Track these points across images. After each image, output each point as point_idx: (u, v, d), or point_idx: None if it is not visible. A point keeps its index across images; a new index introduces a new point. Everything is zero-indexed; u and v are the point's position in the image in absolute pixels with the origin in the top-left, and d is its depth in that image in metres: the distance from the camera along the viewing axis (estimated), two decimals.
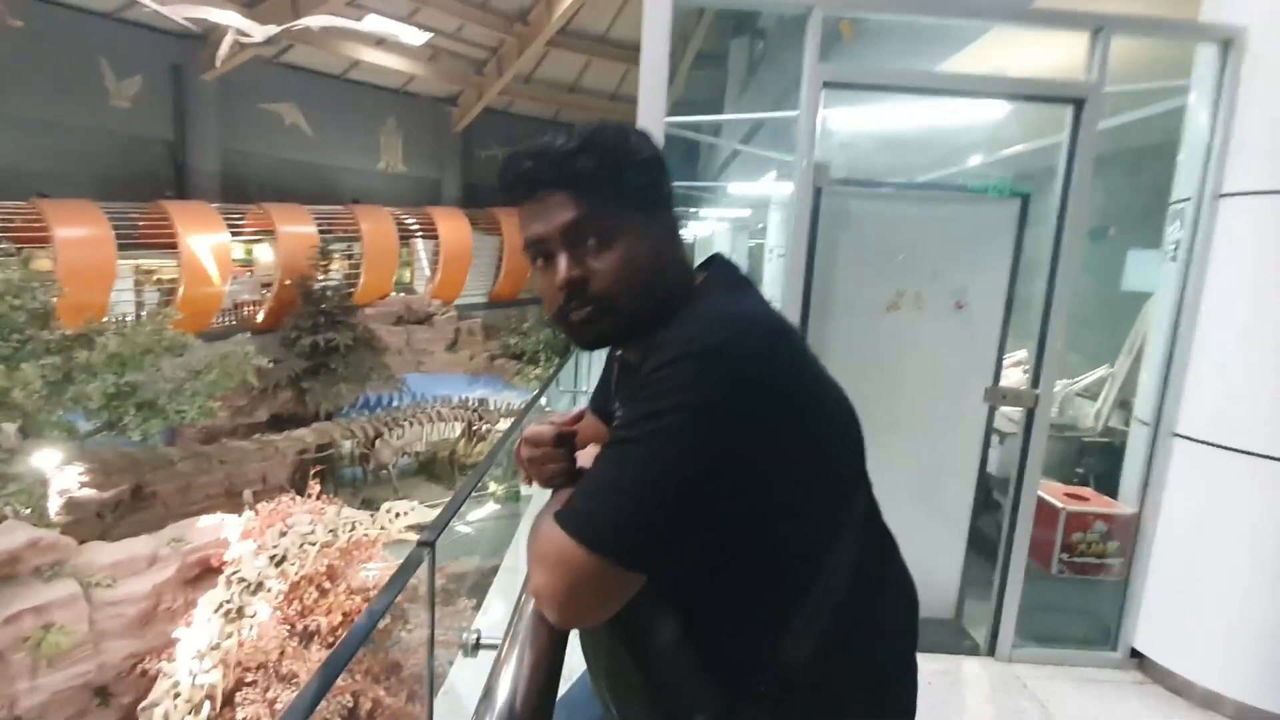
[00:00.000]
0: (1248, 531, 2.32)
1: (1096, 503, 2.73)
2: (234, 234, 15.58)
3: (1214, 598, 2.42)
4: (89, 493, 9.61)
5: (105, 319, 11.06)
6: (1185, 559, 2.51)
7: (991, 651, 2.65)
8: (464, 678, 2.27)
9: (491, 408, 14.98)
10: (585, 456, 0.93)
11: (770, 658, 0.79)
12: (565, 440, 0.93)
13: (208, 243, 14.76)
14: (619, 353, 1.01)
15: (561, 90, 22.17)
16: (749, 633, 0.80)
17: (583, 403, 1.23)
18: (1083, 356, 3.81)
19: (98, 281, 12.96)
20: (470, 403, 15.18)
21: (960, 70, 3.18)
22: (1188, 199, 2.52)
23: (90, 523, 9.76)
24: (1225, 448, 2.36)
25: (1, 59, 12.71)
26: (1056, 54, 2.56)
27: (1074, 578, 2.68)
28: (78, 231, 12.96)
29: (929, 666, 2.57)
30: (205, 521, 8.88)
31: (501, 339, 19.96)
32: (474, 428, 14.59)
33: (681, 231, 0.88)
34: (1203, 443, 2.43)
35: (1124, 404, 3.34)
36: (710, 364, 0.69)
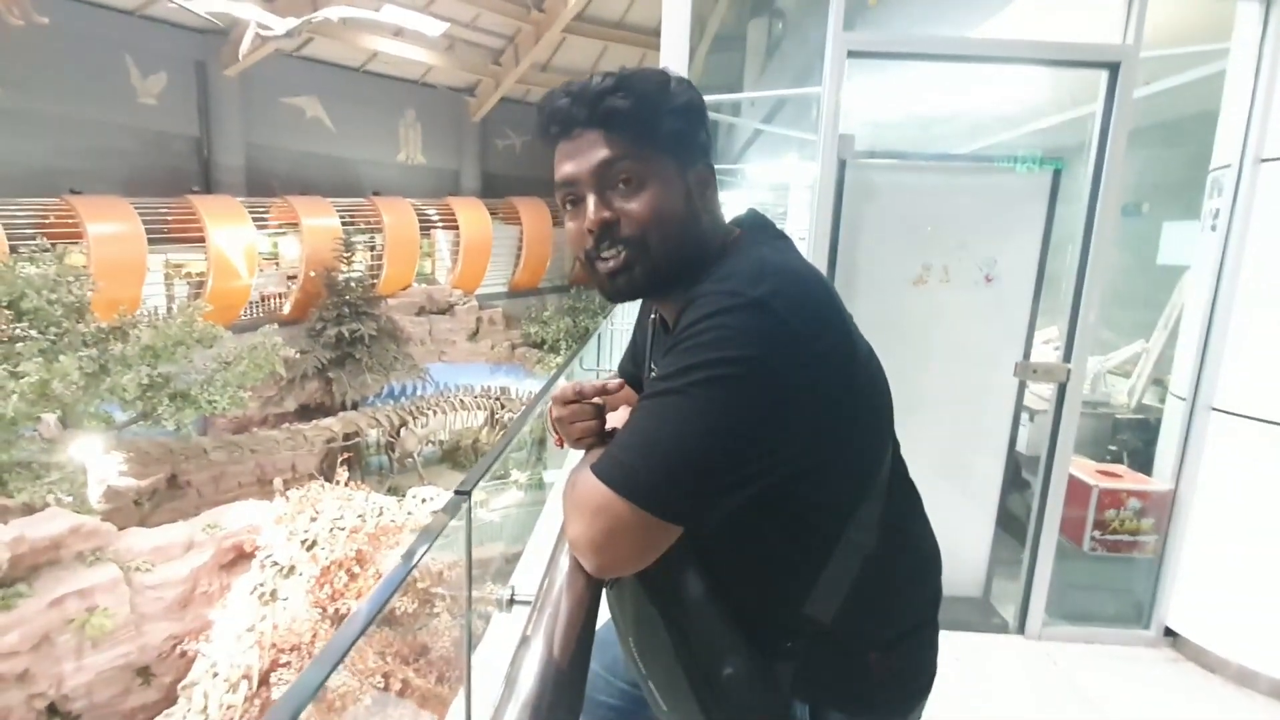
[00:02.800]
0: None
1: (1130, 480, 2.67)
2: (259, 227, 15.81)
3: (1250, 574, 2.37)
4: (127, 481, 9.90)
5: (138, 312, 11.32)
6: (1221, 535, 2.45)
7: (1021, 629, 2.62)
8: (497, 643, 2.30)
9: (513, 396, 15.10)
10: (615, 418, 0.93)
11: (799, 613, 0.79)
12: (589, 395, 0.93)
13: (234, 236, 15.01)
14: (653, 315, 0.99)
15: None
16: (778, 588, 0.81)
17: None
18: (1115, 333, 3.72)
19: (130, 275, 13.26)
20: (492, 391, 15.32)
21: (990, 36, 3.10)
22: (1227, 165, 2.44)
23: (128, 510, 10.06)
24: (1265, 421, 2.30)
25: (30, 58, 12.97)
26: (1092, 22, 2.48)
27: (1106, 555, 2.64)
28: (109, 227, 13.25)
29: (957, 644, 2.55)
30: (238, 509, 9.11)
31: (522, 328, 20.07)
32: (496, 416, 14.74)
33: (713, 185, 0.86)
34: (1242, 416, 2.36)
35: (1158, 380, 3.26)
36: (755, 315, 0.68)
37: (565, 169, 0.80)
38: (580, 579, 0.76)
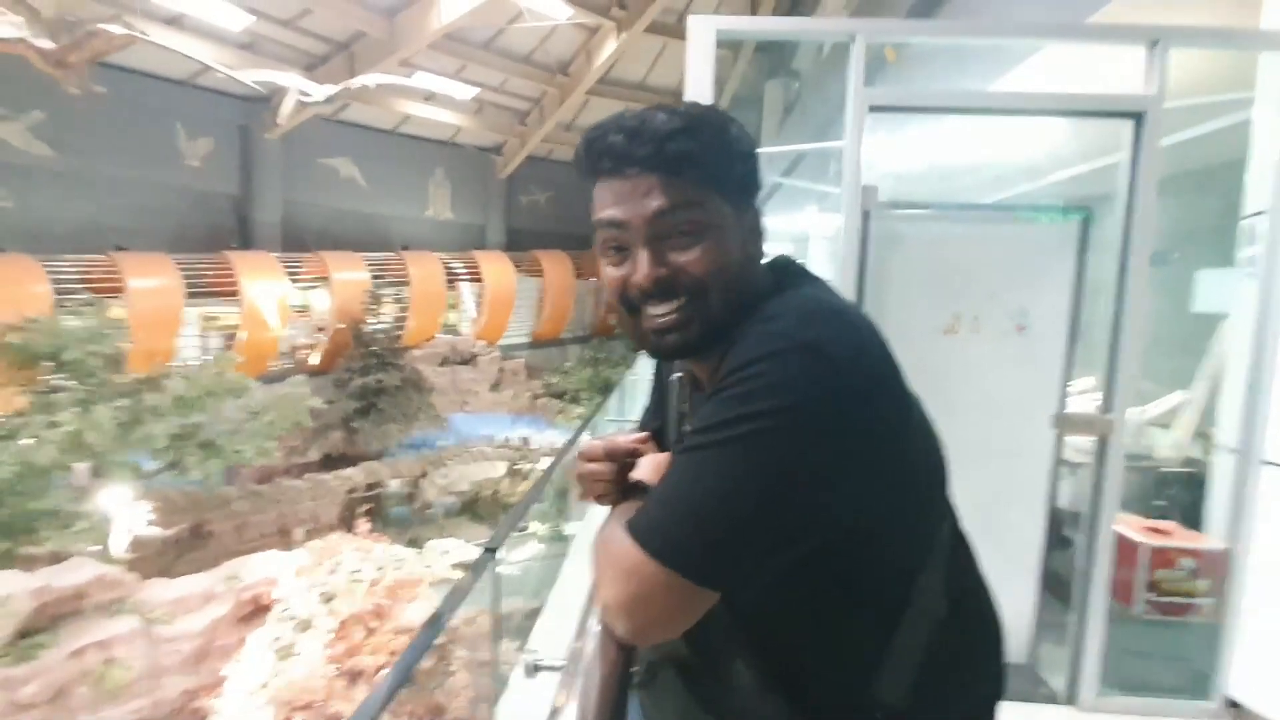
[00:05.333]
0: None
1: (1181, 537, 2.54)
2: (292, 281, 16.27)
3: None
4: (153, 531, 9.96)
5: (172, 364, 11.60)
6: None
7: (1072, 700, 2.46)
8: (515, 705, 2.20)
9: (534, 447, 15.05)
10: (642, 469, 0.89)
11: (867, 694, 0.70)
12: (620, 455, 0.86)
13: (267, 290, 15.45)
14: (674, 376, 0.92)
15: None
16: (841, 664, 0.72)
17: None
18: (1154, 383, 3.61)
19: (166, 328, 13.65)
20: (513, 442, 15.29)
21: (1011, 89, 3.13)
22: (1260, 212, 2.40)
23: (151, 560, 10.08)
24: None
25: (85, 124, 13.75)
26: (1114, 71, 2.49)
27: (1161, 619, 2.48)
28: (149, 282, 13.72)
29: (1004, 716, 2.38)
30: (259, 559, 9.07)
31: (544, 378, 20.16)
32: (516, 467, 14.66)
33: (760, 224, 0.80)
34: None
35: (1203, 432, 3.13)
36: (806, 360, 0.62)
37: (613, 212, 0.72)
38: (612, 646, 0.72)
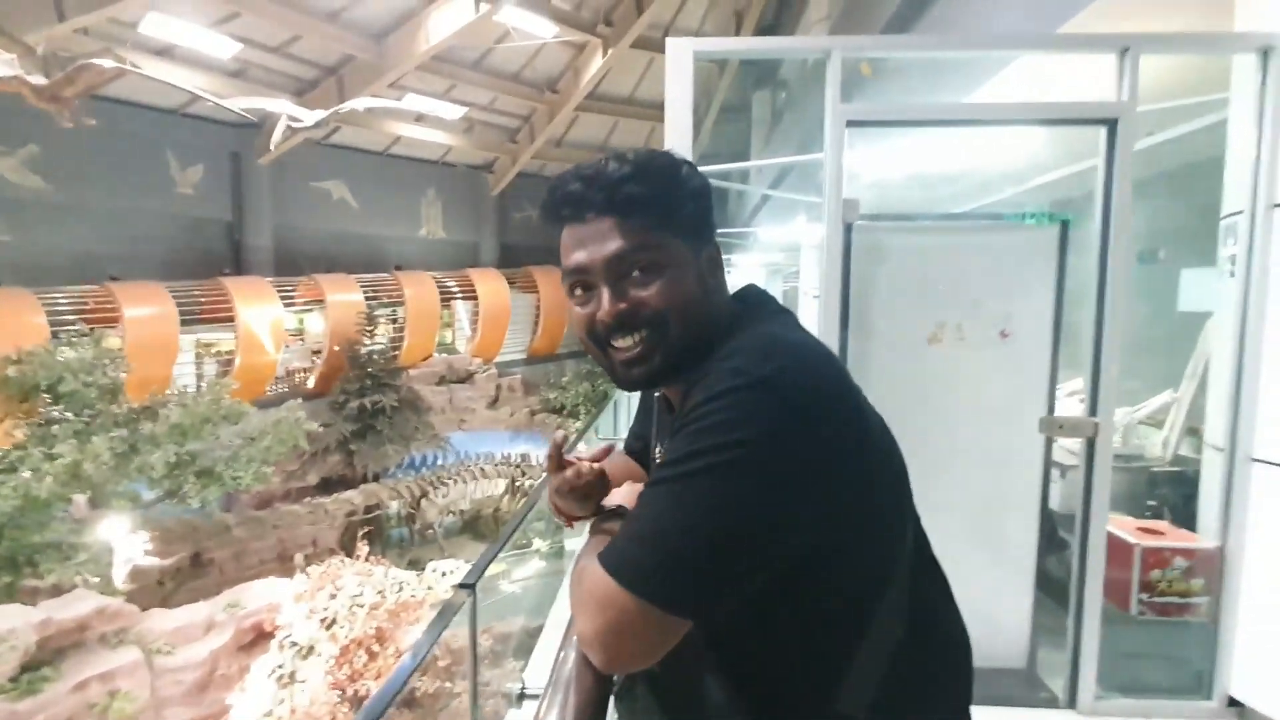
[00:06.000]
0: None
1: (1173, 537, 2.55)
2: (286, 305, 16.30)
3: None
4: (151, 560, 9.90)
5: (168, 391, 11.58)
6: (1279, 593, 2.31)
7: (1072, 703, 2.45)
8: None
9: (533, 463, 15.01)
10: (620, 495, 0.91)
11: (831, 710, 0.73)
12: (588, 478, 0.91)
13: (262, 314, 15.46)
14: (657, 396, 0.97)
15: (592, 151, 22.92)
16: (805, 682, 0.75)
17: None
18: (1142, 383, 3.63)
19: (162, 356, 13.63)
20: (512, 459, 15.26)
21: (988, 100, 3.18)
22: (1239, 212, 2.43)
23: (151, 590, 10.01)
24: None
25: (78, 155, 13.81)
26: (1090, 79, 2.53)
27: (1157, 619, 2.49)
28: (145, 311, 13.73)
29: None
30: (259, 586, 9.02)
31: (541, 394, 20.15)
32: (516, 484, 14.62)
33: (718, 258, 0.85)
34: None
35: (1193, 430, 3.15)
36: (762, 394, 0.66)
37: (577, 256, 0.78)
38: (588, 675, 0.73)
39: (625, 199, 0.76)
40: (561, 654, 0.78)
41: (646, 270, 0.76)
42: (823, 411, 0.68)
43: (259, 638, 8.31)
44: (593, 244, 0.77)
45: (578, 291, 0.80)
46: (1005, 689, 2.50)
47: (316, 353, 17.24)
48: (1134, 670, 2.51)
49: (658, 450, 0.94)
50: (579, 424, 17.70)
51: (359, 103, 12.77)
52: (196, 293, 14.92)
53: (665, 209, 0.77)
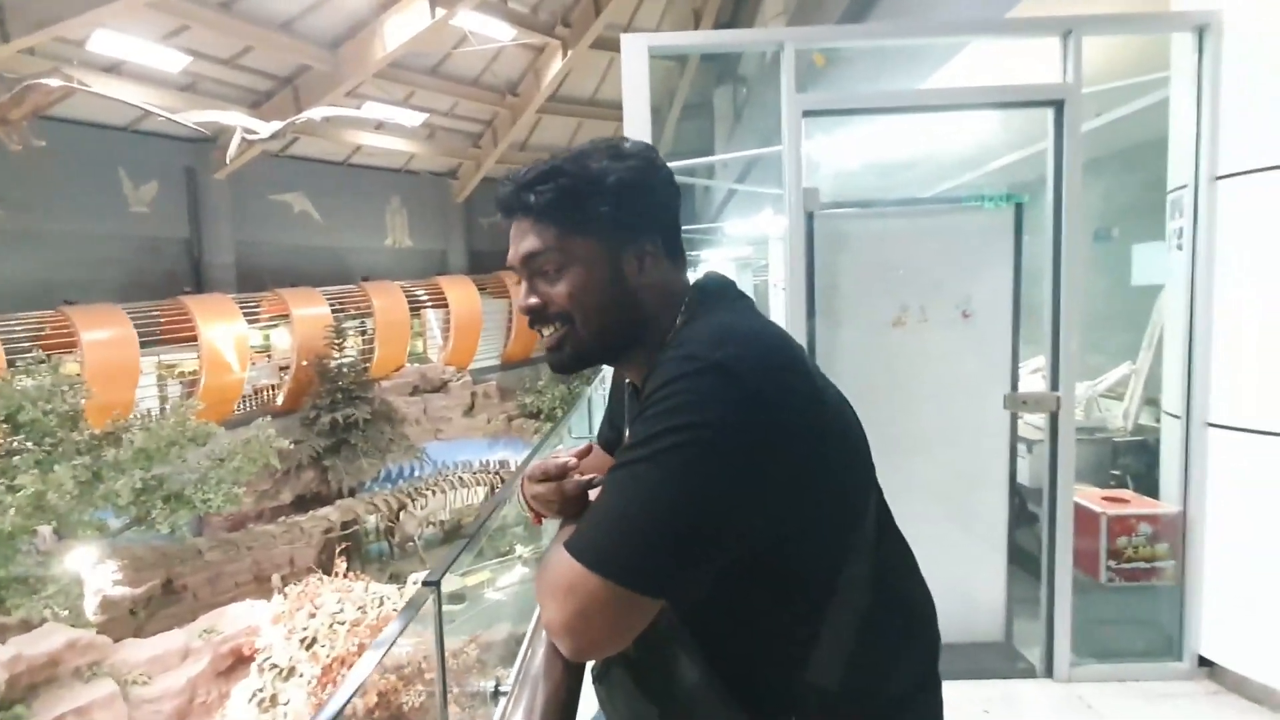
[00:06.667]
0: None
1: (1137, 504, 2.62)
2: (251, 321, 15.96)
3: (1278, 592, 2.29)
4: (122, 590, 9.62)
5: (131, 416, 11.27)
6: (1242, 554, 2.39)
7: (1049, 672, 2.51)
8: None
9: (513, 469, 14.91)
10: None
11: (801, 680, 0.75)
12: (565, 472, 0.91)
13: (226, 333, 15.12)
14: (627, 380, 0.99)
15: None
16: (775, 654, 0.77)
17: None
18: (1105, 356, 3.73)
19: (122, 380, 13.25)
20: (491, 466, 15.14)
21: (943, 86, 3.23)
22: (1184, 186, 2.50)
23: (123, 620, 9.73)
24: (1262, 432, 2.28)
25: (27, 179, 13.34)
26: (1042, 63, 2.59)
27: (1126, 585, 2.56)
28: (102, 334, 13.34)
29: (985, 693, 2.43)
30: (235, 610, 8.83)
31: (517, 399, 20.02)
32: (497, 491, 14.51)
33: (665, 255, 0.85)
34: (1237, 429, 2.34)
35: (1151, 400, 3.25)
36: (715, 379, 0.68)
37: (509, 252, 0.86)
38: (557, 665, 0.72)
39: (535, 203, 0.81)
40: (529, 651, 0.77)
41: (554, 269, 0.81)
42: (775, 392, 0.70)
43: (238, 662, 8.13)
44: (515, 243, 0.84)
45: (516, 282, 0.89)
46: (984, 662, 2.55)
47: (284, 369, 16.91)
48: (1107, 636, 2.58)
49: (627, 433, 0.95)
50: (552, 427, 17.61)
51: (316, 112, 12.55)
52: (156, 313, 14.53)
53: (574, 211, 0.81)
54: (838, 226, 2.53)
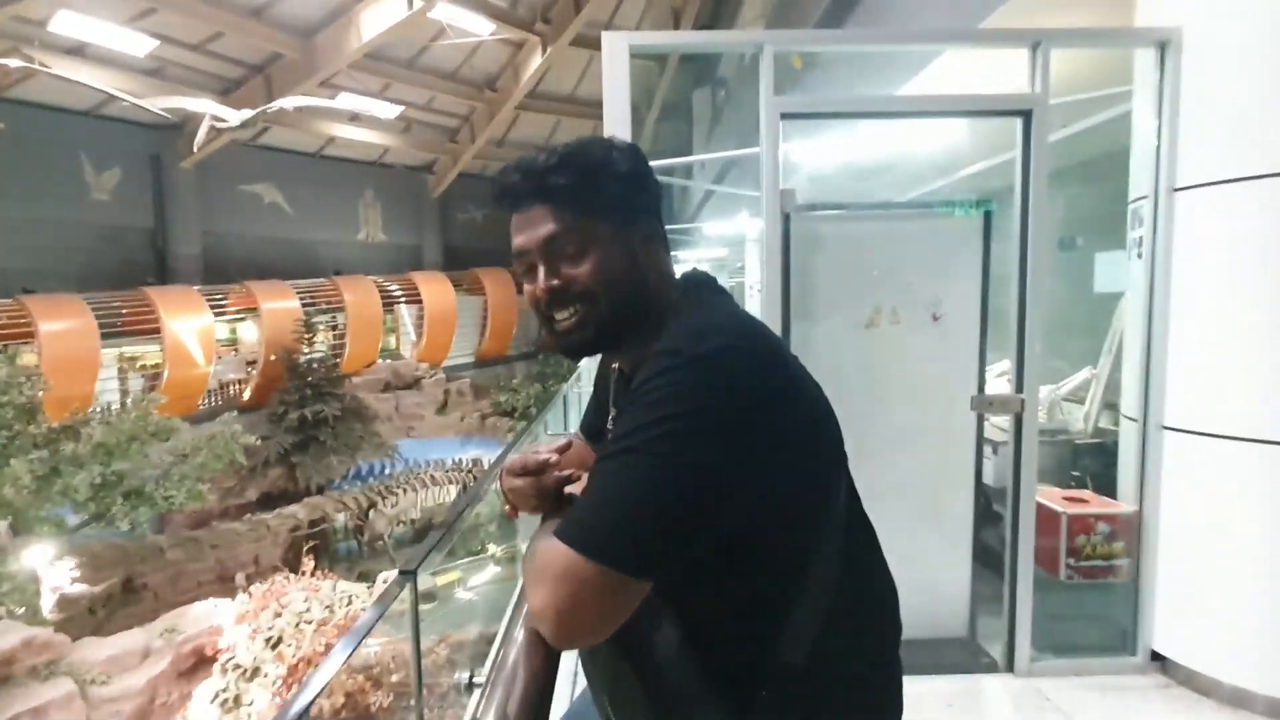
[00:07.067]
0: (1253, 518, 2.30)
1: (1096, 504, 2.70)
2: (217, 314, 15.61)
3: (1229, 590, 2.38)
4: (80, 588, 9.34)
5: (90, 409, 10.94)
6: (1193, 553, 2.48)
7: (1010, 667, 2.58)
8: None
9: (486, 467, 14.80)
10: (579, 489, 0.92)
11: (772, 657, 0.80)
12: (545, 468, 0.93)
13: (191, 325, 14.76)
14: (614, 366, 1.02)
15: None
16: (748, 637, 0.81)
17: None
18: (1068, 361, 3.84)
19: (82, 372, 12.87)
20: (464, 464, 15.01)
21: (914, 92, 3.30)
22: (1144, 197, 2.59)
23: (82, 618, 9.45)
24: (1215, 435, 2.36)
25: None
26: (1014, 74, 2.66)
27: (1084, 582, 2.64)
28: (61, 325, 12.94)
29: (948, 688, 2.49)
30: (198, 609, 8.63)
31: (492, 397, 19.87)
32: (470, 489, 14.38)
33: (660, 242, 0.91)
34: (1192, 433, 2.43)
35: (1111, 404, 3.35)
36: (698, 371, 0.72)
37: (518, 240, 0.87)
38: (539, 653, 0.73)
39: (552, 188, 0.83)
40: (501, 651, 0.78)
41: (576, 251, 0.84)
42: (757, 384, 0.74)
43: (200, 663, 7.95)
44: (529, 229, 0.85)
45: (524, 273, 0.89)
46: (948, 657, 2.61)
47: (251, 363, 16.57)
48: (1065, 632, 2.66)
49: (612, 419, 0.98)
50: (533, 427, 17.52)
51: (288, 101, 12.33)
52: (118, 304, 14.14)
53: (590, 194, 0.84)
54: (814, 228, 2.57)
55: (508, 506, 0.97)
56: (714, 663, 0.80)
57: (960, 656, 2.63)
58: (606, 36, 2.43)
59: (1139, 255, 2.62)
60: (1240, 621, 2.35)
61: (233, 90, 15.20)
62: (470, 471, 14.71)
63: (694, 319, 0.81)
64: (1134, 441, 2.63)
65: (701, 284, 0.92)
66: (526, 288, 0.89)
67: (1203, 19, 2.39)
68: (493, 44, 16.53)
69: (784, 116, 2.42)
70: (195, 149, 14.06)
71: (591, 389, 1.21)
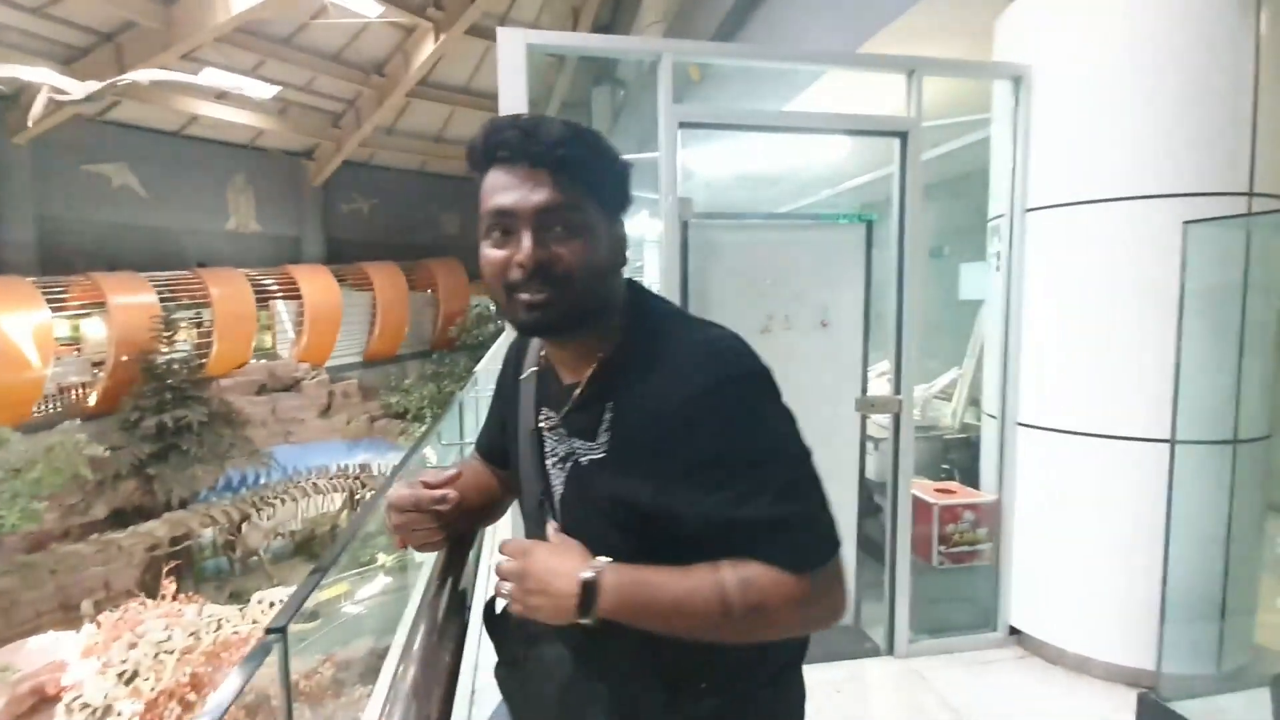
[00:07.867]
0: (1088, 504, 2.60)
1: (963, 495, 2.95)
2: (56, 309, 13.82)
3: (1071, 568, 2.67)
4: None
5: None
6: (1041, 536, 2.76)
7: (891, 650, 2.77)
8: None
9: (375, 473, 14.07)
10: (574, 553, 0.87)
11: (714, 657, 0.83)
12: (426, 504, 0.91)
13: (22, 321, 12.97)
14: (533, 370, 0.97)
15: (427, 141, 21.81)
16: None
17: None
18: (939, 362, 4.17)
19: None
20: (350, 470, 14.19)
21: (803, 109, 3.46)
22: (1001, 215, 2.86)
23: None
24: (1059, 430, 2.65)
25: None
26: (896, 95, 2.85)
27: (953, 567, 2.88)
28: None
29: (836, 674, 2.64)
30: (35, 643, 7.63)
31: (381, 399, 18.90)
32: (357, 496, 13.61)
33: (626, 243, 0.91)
34: (1040, 428, 2.71)
35: (974, 401, 3.67)
36: (759, 376, 0.82)
37: (503, 199, 0.79)
38: (447, 655, 0.71)
39: (564, 158, 0.79)
40: (400, 667, 0.73)
41: (567, 228, 0.80)
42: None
43: (41, 703, 7.03)
44: (523, 190, 0.79)
45: (495, 234, 0.82)
46: (836, 645, 2.77)
47: (98, 365, 14.80)
48: (938, 614, 2.89)
49: (543, 419, 0.93)
50: (425, 428, 16.84)
51: (142, 74, 11.12)
52: None
53: (595, 176, 0.82)
54: (710, 236, 2.63)
55: (397, 538, 0.92)
56: (664, 660, 0.83)
57: (847, 643, 2.80)
58: (502, 33, 2.36)
59: (997, 268, 2.89)
60: (1081, 596, 2.65)
61: (78, 59, 13.50)
62: (358, 478, 13.91)
63: (688, 328, 0.87)
64: (994, 436, 2.89)
65: (639, 287, 0.93)
66: (494, 251, 0.81)
67: (1049, 59, 2.66)
68: (380, 27, 15.71)
69: (682, 125, 2.46)
70: (30, 123, 12.36)
71: (491, 398, 1.13)
